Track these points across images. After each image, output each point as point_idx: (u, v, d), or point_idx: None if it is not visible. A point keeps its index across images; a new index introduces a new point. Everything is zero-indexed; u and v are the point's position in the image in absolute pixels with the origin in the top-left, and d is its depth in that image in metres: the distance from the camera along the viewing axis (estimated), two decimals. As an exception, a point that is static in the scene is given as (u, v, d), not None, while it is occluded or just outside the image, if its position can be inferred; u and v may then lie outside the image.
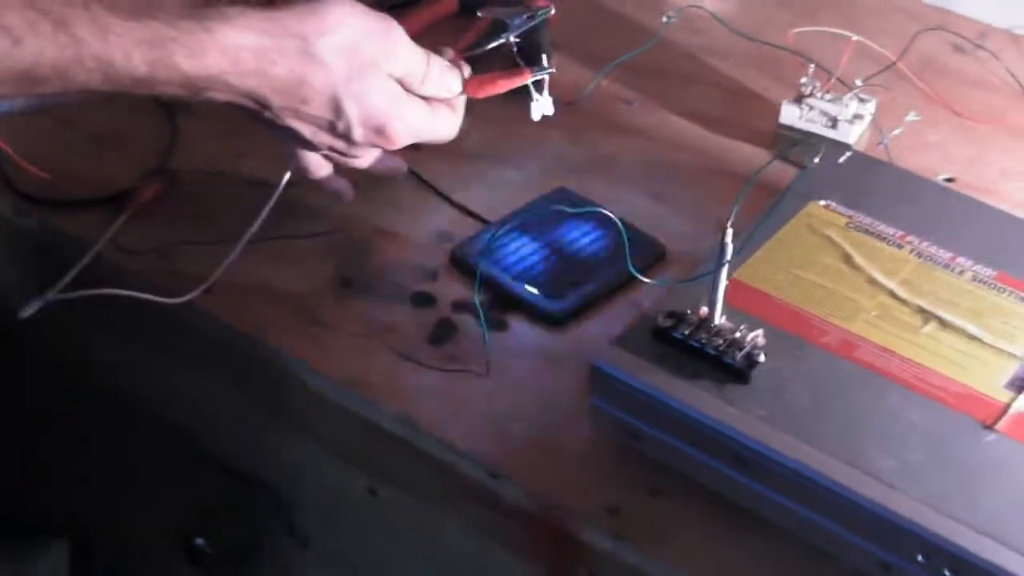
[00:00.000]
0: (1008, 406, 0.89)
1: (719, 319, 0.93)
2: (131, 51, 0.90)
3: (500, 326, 1.04)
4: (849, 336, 0.94)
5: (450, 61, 1.05)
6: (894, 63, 1.29)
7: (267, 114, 0.98)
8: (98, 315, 1.05)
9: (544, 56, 1.06)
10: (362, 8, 0.99)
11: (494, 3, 1.20)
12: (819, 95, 1.20)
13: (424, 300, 1.05)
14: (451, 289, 1.07)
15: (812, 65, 1.20)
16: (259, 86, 0.95)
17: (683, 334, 0.92)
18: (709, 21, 1.38)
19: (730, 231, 0.92)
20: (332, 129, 0.99)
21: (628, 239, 1.10)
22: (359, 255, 1.09)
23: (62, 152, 1.17)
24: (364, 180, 1.12)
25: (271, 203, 1.04)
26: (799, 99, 1.20)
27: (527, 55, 1.25)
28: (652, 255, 1.10)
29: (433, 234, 1.12)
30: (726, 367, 0.91)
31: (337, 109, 0.98)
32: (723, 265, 0.92)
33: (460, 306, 1.05)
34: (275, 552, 1.12)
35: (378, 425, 0.97)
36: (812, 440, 0.87)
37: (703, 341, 0.92)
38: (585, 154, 1.22)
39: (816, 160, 1.12)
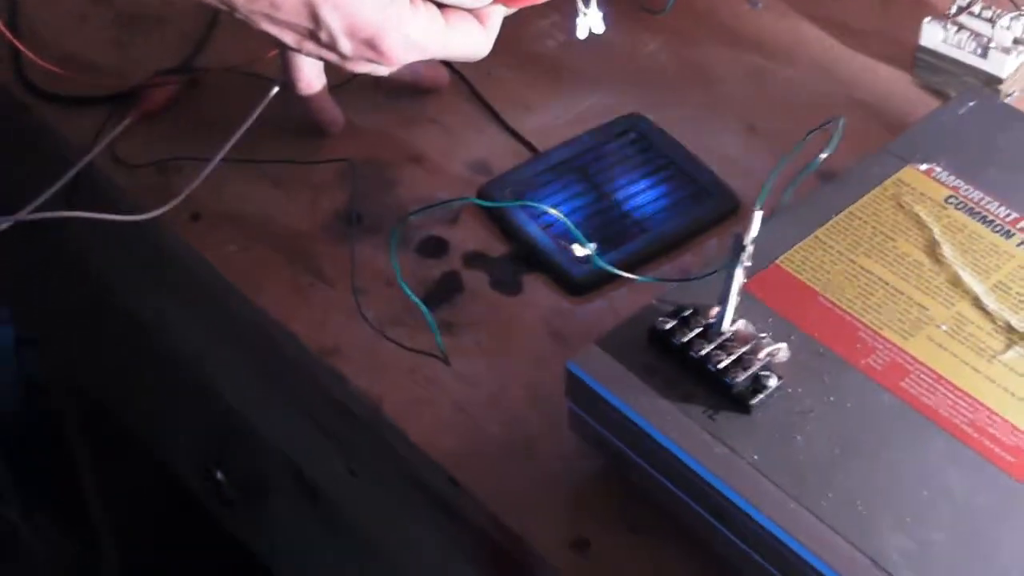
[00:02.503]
0: (1086, 477, 0.69)
1: (730, 325, 0.75)
2: None
3: (511, 288, 0.88)
4: (902, 357, 0.74)
5: None
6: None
7: (237, 15, 0.82)
8: (89, 227, 0.94)
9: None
10: None
11: None
12: (977, 10, 0.96)
13: (434, 247, 0.90)
14: (470, 235, 0.91)
15: (972, -30, 0.97)
16: None
17: (682, 341, 0.74)
18: None
19: (757, 216, 0.73)
20: (315, 39, 0.83)
21: (696, 185, 0.93)
22: (376, 186, 0.94)
23: (85, 34, 1.05)
24: (402, 89, 0.97)
25: (254, 116, 0.89)
26: (948, 15, 0.97)
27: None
28: (722, 209, 0.91)
29: (469, 163, 0.95)
30: (725, 390, 0.73)
31: (315, 17, 0.81)
32: (736, 263, 0.73)
33: (474, 258, 0.89)
34: (285, 497, 1.01)
35: (346, 405, 0.84)
36: (810, 502, 0.68)
37: (704, 353, 0.74)
38: (683, 67, 1.02)
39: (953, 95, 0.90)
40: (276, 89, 0.91)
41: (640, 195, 0.92)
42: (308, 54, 0.85)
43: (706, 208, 0.91)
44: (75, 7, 1.06)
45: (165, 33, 1.05)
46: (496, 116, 0.99)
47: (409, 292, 0.80)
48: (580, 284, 0.87)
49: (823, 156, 0.71)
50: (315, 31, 0.82)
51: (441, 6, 0.84)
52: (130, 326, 1.04)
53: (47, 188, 0.94)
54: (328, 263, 0.90)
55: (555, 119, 0.98)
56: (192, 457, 1.08)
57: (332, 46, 0.83)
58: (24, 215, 0.92)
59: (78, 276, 1.07)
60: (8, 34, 0.99)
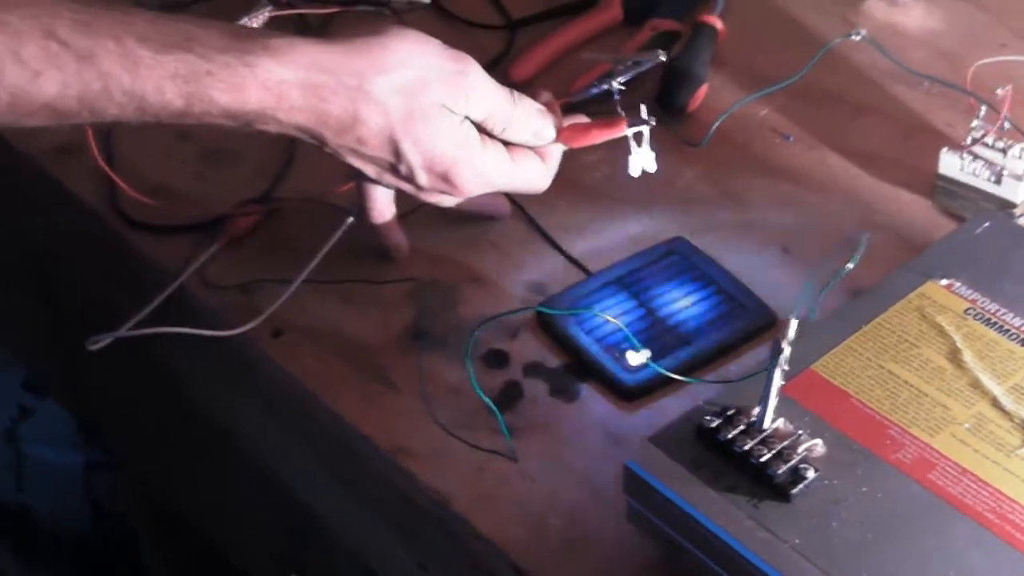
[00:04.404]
0: (1098, 561, 0.76)
1: (769, 423, 0.82)
2: (163, 85, 0.85)
3: (570, 396, 0.96)
4: (928, 452, 0.82)
5: (545, 105, 0.97)
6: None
7: (326, 149, 0.92)
8: (179, 344, 1.03)
9: (644, 106, 0.95)
10: (434, 46, 0.92)
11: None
12: (990, 142, 1.05)
13: (497, 359, 0.98)
14: (529, 348, 0.99)
15: (983, 106, 1.05)
16: (309, 122, 0.90)
17: (727, 437, 0.82)
18: (905, 38, 1.24)
19: (793, 324, 0.82)
20: (395, 171, 0.93)
21: (735, 302, 1.01)
22: (441, 304, 1.02)
23: (171, 168, 1.15)
24: (466, 217, 1.06)
25: (329, 246, 0.99)
26: (964, 145, 1.05)
27: (680, 76, 1.15)
28: (759, 323, 0.99)
29: (526, 284, 1.04)
30: (767, 481, 0.80)
31: (396, 152, 0.91)
32: (775, 367, 0.81)
33: (533, 369, 0.98)
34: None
35: (416, 501, 0.92)
36: (846, 580, 0.76)
37: (747, 448, 0.81)
38: (720, 196, 1.11)
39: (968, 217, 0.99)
40: (351, 220, 1.00)
41: (684, 311, 1.00)
42: (387, 185, 0.94)
43: (745, 323, 0.99)
44: (162, 144, 1.15)
45: (244, 167, 1.14)
46: (550, 240, 1.07)
47: (482, 394, 0.89)
48: (631, 391, 0.95)
49: (850, 266, 0.80)
50: (396, 164, 0.91)
51: (507, 144, 0.94)
52: (211, 435, 1.12)
53: (140, 309, 1.03)
54: (397, 374, 0.98)
55: (604, 243, 1.07)
56: (271, 562, 1.15)
57: (410, 178, 0.92)
58: (123, 332, 1.01)
59: (165, 391, 1.15)
60: (110, 172, 1.09)
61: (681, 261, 1.04)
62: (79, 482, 1.80)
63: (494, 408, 0.90)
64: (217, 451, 1.11)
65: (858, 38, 1.20)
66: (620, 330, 0.95)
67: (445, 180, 0.93)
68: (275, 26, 1.25)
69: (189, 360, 1.08)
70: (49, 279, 1.28)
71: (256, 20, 1.25)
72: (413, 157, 0.91)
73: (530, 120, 0.95)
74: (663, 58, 0.97)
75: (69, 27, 0.83)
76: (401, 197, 1.00)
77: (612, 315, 0.99)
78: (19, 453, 1.84)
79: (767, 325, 0.99)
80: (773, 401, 0.82)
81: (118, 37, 0.84)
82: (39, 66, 0.82)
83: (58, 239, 1.21)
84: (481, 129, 0.94)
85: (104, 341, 1.01)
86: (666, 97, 1.16)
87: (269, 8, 1.26)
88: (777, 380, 0.82)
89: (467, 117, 0.93)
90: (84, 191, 1.14)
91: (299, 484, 1.03)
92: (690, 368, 0.97)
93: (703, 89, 1.17)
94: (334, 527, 1.04)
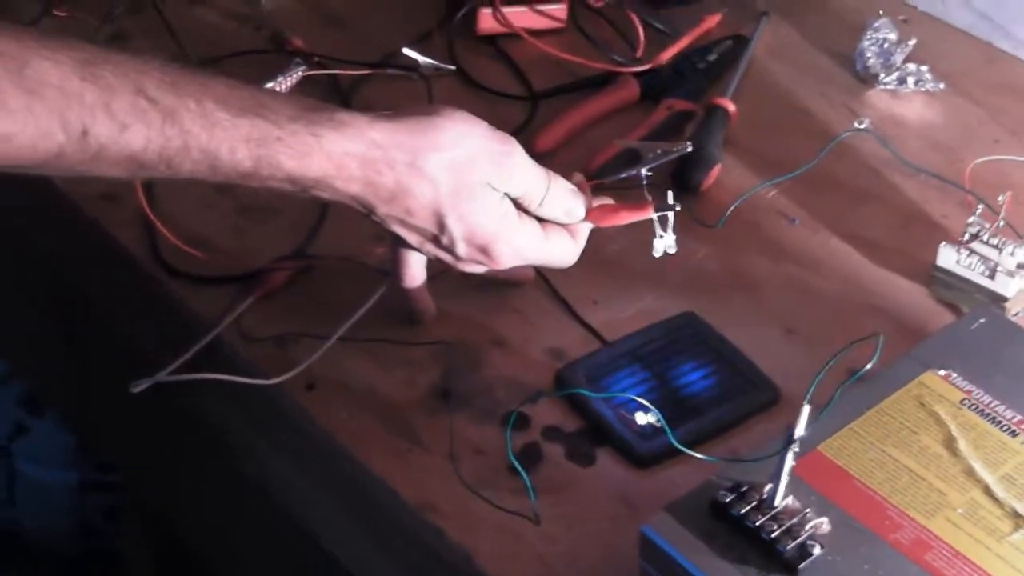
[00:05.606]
0: (1080, 645, 0.83)
1: (780, 501, 0.89)
2: (237, 146, 0.92)
3: (587, 460, 1.02)
4: (925, 534, 0.88)
5: (576, 186, 1.03)
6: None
7: (374, 218, 0.98)
8: (215, 391, 1.08)
9: (670, 192, 1.02)
10: (482, 129, 0.98)
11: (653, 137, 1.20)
12: (986, 238, 1.12)
13: (517, 422, 1.04)
14: (549, 412, 1.05)
15: (980, 205, 1.13)
16: (364, 192, 0.96)
17: (739, 512, 0.88)
18: (905, 129, 1.31)
19: (806, 410, 0.88)
20: (436, 242, 0.99)
21: (742, 377, 1.07)
22: (466, 365, 1.08)
23: (209, 222, 1.21)
24: (490, 283, 1.12)
25: (366, 307, 1.06)
26: (961, 241, 1.12)
27: (695, 156, 1.22)
28: (764, 399, 1.06)
29: (546, 349, 1.10)
30: (776, 555, 0.87)
31: (441, 224, 0.98)
32: (788, 450, 0.88)
33: (552, 432, 1.04)
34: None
35: (440, 555, 0.97)
36: (847, 653, 0.82)
37: (758, 523, 0.88)
38: (729, 274, 1.18)
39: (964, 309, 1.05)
40: (383, 289, 1.06)
41: (694, 384, 1.07)
42: (426, 253, 1.01)
43: (751, 398, 1.06)
44: (202, 196, 1.21)
45: (279, 223, 1.21)
46: (569, 309, 1.14)
47: (516, 463, 0.95)
48: (644, 458, 1.01)
49: (868, 367, 0.87)
50: (438, 236, 0.98)
51: (540, 220, 1.01)
52: (234, 478, 1.17)
53: (172, 354, 1.08)
54: (424, 431, 1.04)
55: (619, 313, 1.13)
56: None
57: (450, 249, 0.99)
58: (164, 376, 1.06)
59: (189, 434, 1.20)
60: (155, 220, 1.16)
61: (691, 335, 1.10)
62: (71, 502, 1.85)
63: (524, 475, 0.96)
64: (238, 494, 1.16)
65: (861, 127, 1.27)
66: (634, 400, 1.01)
67: (484, 252, 0.99)
68: (307, 86, 1.32)
69: (220, 407, 1.13)
70: (75, 314, 1.32)
71: (289, 80, 1.31)
72: (456, 230, 0.98)
73: (564, 199, 1.02)
74: (690, 148, 1.03)
75: (156, 85, 0.89)
76: (428, 262, 1.06)
77: (627, 384, 1.06)
78: (12, 470, 1.89)
79: (772, 401, 1.06)
80: (784, 481, 0.88)
81: (199, 98, 0.90)
82: (127, 119, 0.88)
83: (90, 279, 1.25)
84: (517, 205, 1.00)
85: (144, 385, 1.06)
86: (682, 176, 1.22)
87: (302, 68, 1.33)
88: (789, 462, 0.88)
89: (506, 194, 0.99)
90: (125, 237, 1.19)
91: (321, 532, 1.07)
92: (697, 439, 1.02)
93: (716, 169, 1.24)
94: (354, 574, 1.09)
